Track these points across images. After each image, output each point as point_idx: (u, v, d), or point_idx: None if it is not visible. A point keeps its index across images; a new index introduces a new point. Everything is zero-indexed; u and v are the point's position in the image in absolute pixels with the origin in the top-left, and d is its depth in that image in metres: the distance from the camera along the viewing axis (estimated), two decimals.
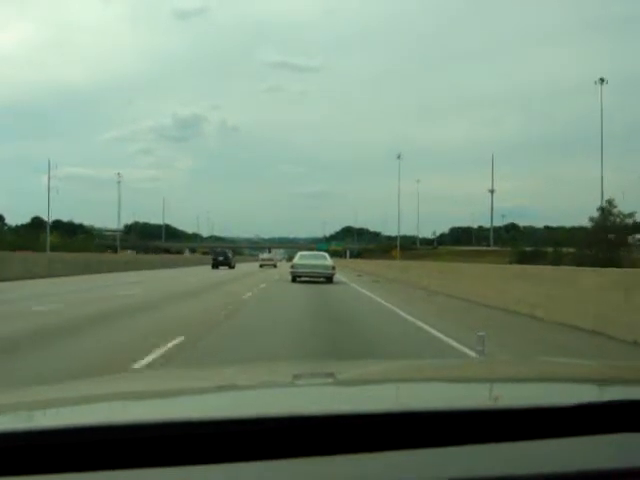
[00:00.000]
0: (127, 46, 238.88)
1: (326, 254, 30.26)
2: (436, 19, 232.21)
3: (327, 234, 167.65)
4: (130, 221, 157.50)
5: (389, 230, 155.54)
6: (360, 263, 58.19)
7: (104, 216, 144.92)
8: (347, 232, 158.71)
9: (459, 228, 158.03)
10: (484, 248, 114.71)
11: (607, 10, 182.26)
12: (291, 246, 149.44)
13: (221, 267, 48.46)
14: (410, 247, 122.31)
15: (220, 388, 1.66)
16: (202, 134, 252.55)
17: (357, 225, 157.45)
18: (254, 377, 1.99)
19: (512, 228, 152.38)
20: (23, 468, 0.93)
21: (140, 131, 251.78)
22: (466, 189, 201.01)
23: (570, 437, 1.05)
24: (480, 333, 4.15)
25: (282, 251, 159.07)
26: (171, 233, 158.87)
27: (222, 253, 52.66)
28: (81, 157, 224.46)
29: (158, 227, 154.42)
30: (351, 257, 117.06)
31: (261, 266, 52.19)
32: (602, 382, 1.67)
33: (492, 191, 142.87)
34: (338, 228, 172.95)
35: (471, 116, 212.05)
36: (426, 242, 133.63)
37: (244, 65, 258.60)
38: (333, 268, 26.95)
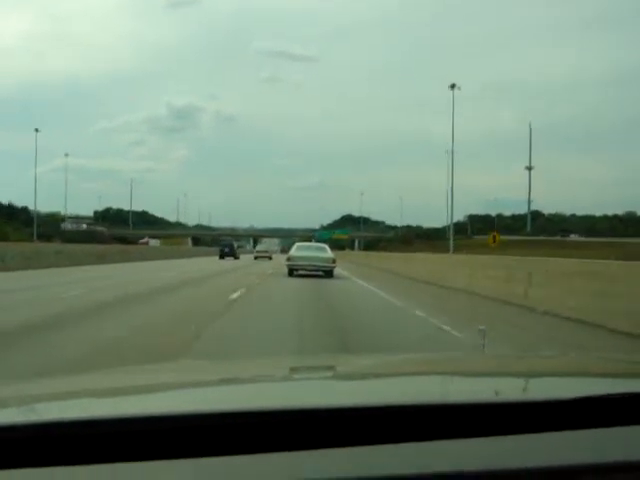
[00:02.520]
0: (121, 34, 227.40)
1: (325, 245, 27.08)
2: (436, 9, 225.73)
3: (325, 224, 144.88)
4: (103, 207, 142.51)
5: (394, 219, 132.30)
6: (398, 260, 33.16)
7: (88, 205, 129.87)
8: (347, 221, 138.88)
9: (476, 216, 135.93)
10: (530, 237, 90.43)
11: None
12: (285, 234, 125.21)
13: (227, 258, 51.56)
14: (440, 237, 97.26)
15: (220, 381, 1.67)
16: (197, 125, 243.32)
17: (358, 213, 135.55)
18: (255, 370, 1.98)
19: (537, 216, 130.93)
20: (25, 461, 0.93)
21: (134, 121, 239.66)
22: (468, 181, 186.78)
23: (571, 430, 1.05)
24: (481, 327, 3.65)
25: (277, 241, 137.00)
26: (150, 221, 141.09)
27: (228, 245, 56.72)
28: (75, 147, 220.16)
29: (133, 214, 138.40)
30: (359, 249, 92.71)
31: (256, 258, 50.48)
32: (603, 375, 1.68)
33: (530, 168, 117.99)
34: (337, 217, 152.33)
35: (471, 108, 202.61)
36: (441, 231, 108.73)
37: (241, 55, 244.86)
38: (333, 261, 23.92)
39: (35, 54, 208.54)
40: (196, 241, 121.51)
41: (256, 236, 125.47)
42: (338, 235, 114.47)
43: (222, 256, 51.97)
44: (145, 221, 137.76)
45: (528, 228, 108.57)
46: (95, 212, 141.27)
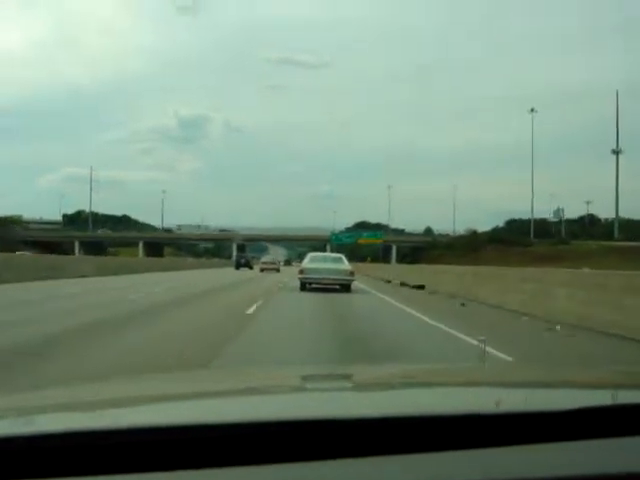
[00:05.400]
0: (128, 44, 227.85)
1: (342, 256, 23.68)
2: (440, 22, 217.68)
3: (336, 231, 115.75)
4: (73, 211, 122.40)
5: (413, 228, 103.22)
6: None
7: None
8: (362, 229, 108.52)
9: (518, 220, 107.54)
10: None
11: None
12: (293, 239, 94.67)
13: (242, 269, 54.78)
14: (515, 241, 66.60)
15: (230, 391, 1.69)
16: (206, 134, 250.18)
17: (374, 220, 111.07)
18: (266, 380, 1.98)
19: (593, 220, 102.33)
20: (22, 473, 0.92)
21: (142, 132, 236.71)
22: (476, 191, 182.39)
23: (572, 441, 1.05)
24: (481, 338, 3.60)
25: (284, 251, 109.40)
26: (131, 225, 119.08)
27: (244, 257, 63.67)
28: (82, 158, 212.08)
29: (110, 218, 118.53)
30: (399, 260, 63.15)
31: (262, 270, 45.55)
32: (603, 386, 1.68)
33: (617, 152, 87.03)
34: (350, 224, 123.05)
35: (483, 118, 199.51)
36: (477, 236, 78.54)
37: (248, 64, 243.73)
38: (352, 274, 21.13)
39: (41, 63, 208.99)
40: (154, 248, 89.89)
41: (248, 240, 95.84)
42: (367, 239, 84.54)
43: (238, 267, 56.30)
44: (132, 226, 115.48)
45: (615, 233, 76.95)
46: (64, 215, 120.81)
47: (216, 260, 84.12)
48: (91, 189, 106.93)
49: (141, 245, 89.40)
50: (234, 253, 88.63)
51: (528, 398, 1.51)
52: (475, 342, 5.83)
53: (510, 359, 7.52)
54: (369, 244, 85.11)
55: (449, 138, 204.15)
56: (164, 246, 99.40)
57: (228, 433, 1.00)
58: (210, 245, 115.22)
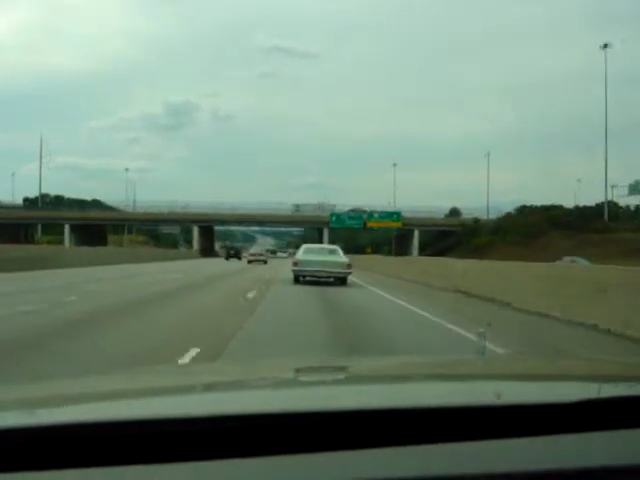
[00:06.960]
0: (116, 30, 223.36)
1: (337, 247, 23.64)
2: (437, 10, 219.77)
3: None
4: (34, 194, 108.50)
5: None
6: None
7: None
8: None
9: (530, 207, 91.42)
10: None
11: None
12: (289, 218, 77.32)
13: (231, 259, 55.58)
14: (585, 227, 51.25)
15: (227, 384, 1.70)
16: (194, 122, 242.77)
17: (370, 207, 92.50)
18: (261, 373, 2.00)
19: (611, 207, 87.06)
20: (26, 464, 0.92)
21: (130, 119, 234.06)
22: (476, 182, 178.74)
23: (572, 433, 1.05)
24: (480, 329, 3.71)
25: (271, 241, 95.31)
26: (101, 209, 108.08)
27: (234, 248, 64.77)
28: (70, 146, 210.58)
29: (76, 202, 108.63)
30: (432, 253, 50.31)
31: (249, 262, 45.51)
32: (603, 378, 1.68)
33: None
34: (343, 211, 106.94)
35: (479, 108, 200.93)
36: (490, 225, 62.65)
37: (239, 51, 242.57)
38: (348, 266, 20.84)
39: (26, 49, 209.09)
40: (91, 234, 68.26)
41: (236, 221, 78.27)
42: (380, 222, 68.22)
43: (227, 257, 57.79)
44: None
45: None
46: (25, 199, 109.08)
47: (159, 251, 58.99)
48: (41, 163, 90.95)
49: (67, 229, 68.90)
50: (195, 238, 72.51)
51: (529, 390, 1.50)
52: None
53: None
54: (383, 227, 69.48)
55: (443, 128, 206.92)
56: (106, 230, 77.87)
57: (224, 426, 1.00)
58: (177, 230, 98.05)
